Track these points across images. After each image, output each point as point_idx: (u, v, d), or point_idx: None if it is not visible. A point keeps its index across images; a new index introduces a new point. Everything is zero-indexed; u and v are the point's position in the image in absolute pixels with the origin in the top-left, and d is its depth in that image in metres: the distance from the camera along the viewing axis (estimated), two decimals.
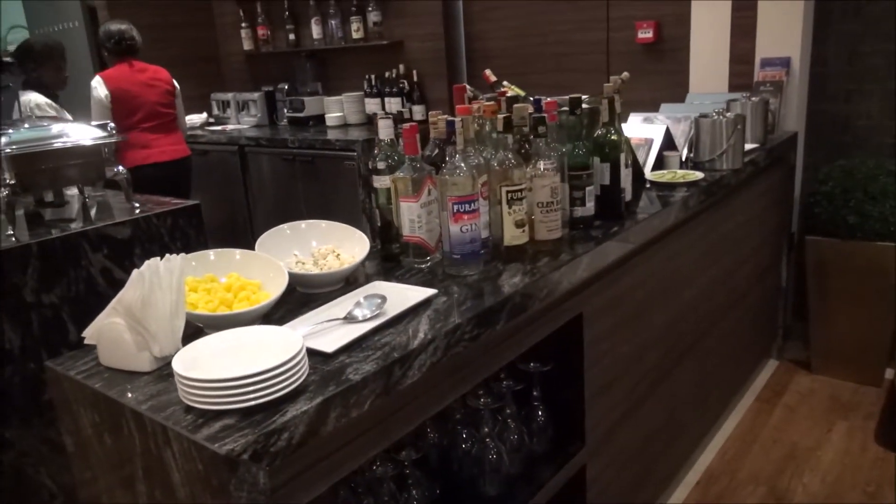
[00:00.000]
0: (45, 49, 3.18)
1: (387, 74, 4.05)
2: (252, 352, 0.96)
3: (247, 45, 4.74)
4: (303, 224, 1.44)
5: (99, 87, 3.33)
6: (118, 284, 2.05)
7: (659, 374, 2.00)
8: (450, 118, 1.48)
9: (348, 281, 1.37)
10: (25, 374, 1.88)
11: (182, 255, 1.09)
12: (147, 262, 1.04)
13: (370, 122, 4.10)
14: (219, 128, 4.53)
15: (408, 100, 3.97)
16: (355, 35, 4.14)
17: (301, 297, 1.30)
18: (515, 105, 1.54)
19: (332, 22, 4.26)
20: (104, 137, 2.17)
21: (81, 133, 2.14)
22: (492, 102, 1.55)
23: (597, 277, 1.56)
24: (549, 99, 1.63)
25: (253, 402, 0.88)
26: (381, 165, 1.46)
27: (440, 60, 3.91)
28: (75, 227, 2.02)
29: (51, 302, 1.92)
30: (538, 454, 1.56)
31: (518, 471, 1.50)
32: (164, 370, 1.03)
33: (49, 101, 3.09)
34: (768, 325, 3.03)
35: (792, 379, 2.90)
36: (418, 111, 3.95)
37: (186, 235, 2.22)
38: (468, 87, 1.88)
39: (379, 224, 1.50)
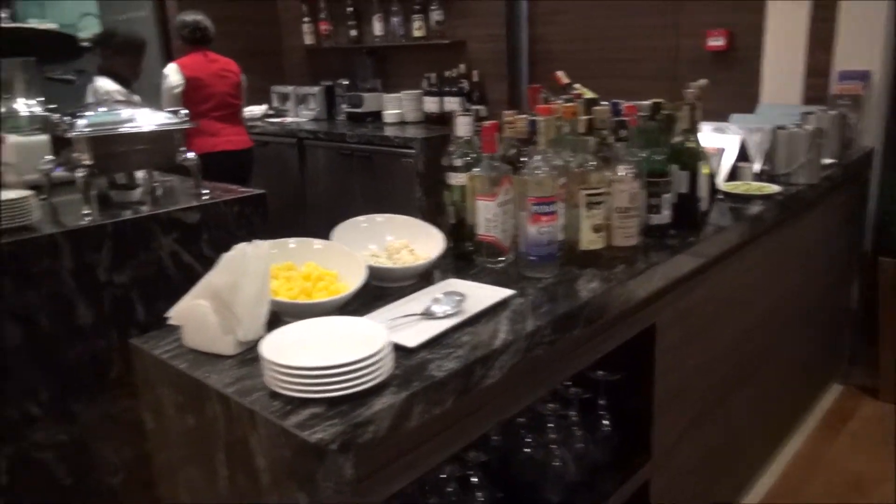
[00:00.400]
0: (127, 39, 3.28)
1: (447, 74, 4.05)
2: (337, 342, 0.95)
3: (308, 40, 4.80)
4: (379, 217, 1.44)
5: (173, 74, 3.43)
6: (185, 268, 2.11)
7: (724, 390, 1.94)
8: (531, 118, 1.46)
9: (421, 277, 1.36)
10: (95, 351, 1.93)
11: (268, 242, 1.09)
12: (236, 247, 1.05)
13: (428, 120, 4.11)
14: (277, 120, 4.59)
15: (467, 100, 3.96)
16: (417, 33, 4.15)
17: (374, 290, 1.30)
18: (595, 107, 1.51)
19: (394, 19, 4.28)
20: (179, 123, 2.21)
21: (156, 118, 2.18)
22: (572, 104, 1.53)
23: (671, 287, 1.52)
24: (627, 103, 1.61)
25: (341, 393, 0.87)
26: (457, 163, 1.45)
27: (502, 61, 3.89)
28: (147, 210, 2.06)
29: (121, 282, 1.96)
30: (601, 464, 1.52)
31: (581, 479, 1.47)
32: (246, 355, 1.04)
33: (120, 87, 3.17)
34: (835, 347, 2.93)
35: (858, 405, 2.79)
36: (477, 111, 3.93)
37: (252, 223, 2.25)
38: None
39: (452, 221, 1.49)
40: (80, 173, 2.04)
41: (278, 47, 5.05)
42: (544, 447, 1.44)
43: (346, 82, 4.52)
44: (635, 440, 1.56)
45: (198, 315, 1.03)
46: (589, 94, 1.93)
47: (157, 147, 2.20)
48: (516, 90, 3.91)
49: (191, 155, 2.26)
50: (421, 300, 1.19)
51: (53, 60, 2.76)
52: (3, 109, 2.64)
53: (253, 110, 4.51)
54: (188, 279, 2.11)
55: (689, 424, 1.76)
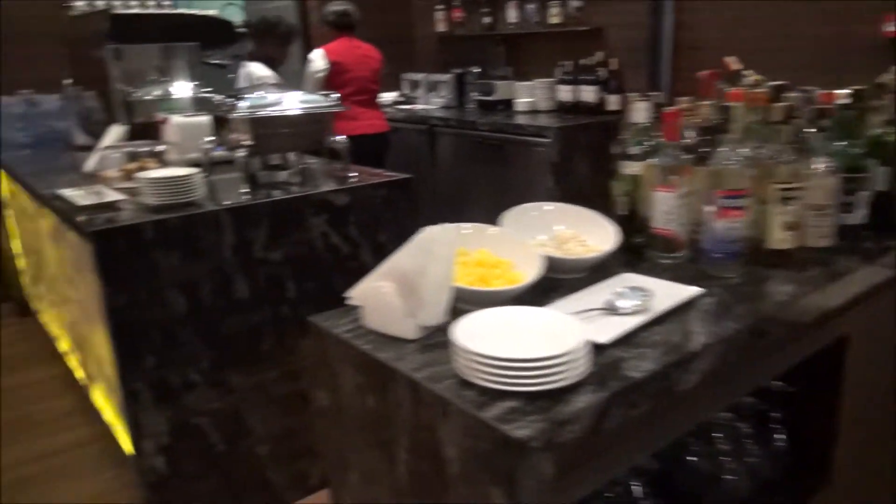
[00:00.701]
0: (278, 26, 3.45)
1: (582, 62, 3.93)
2: (531, 334, 0.91)
3: (441, 28, 4.80)
4: (548, 206, 1.38)
5: (318, 59, 3.56)
6: (333, 249, 2.15)
7: None
8: (716, 104, 1.35)
9: (592, 270, 1.30)
10: (250, 324, 2.01)
11: (456, 225, 1.07)
12: (425, 230, 1.03)
13: (560, 109, 4.01)
14: (407, 107, 4.64)
15: (603, 88, 3.82)
16: (553, 20, 4.05)
17: (545, 281, 1.24)
18: (785, 95, 1.38)
19: (530, 7, 4.20)
20: (332, 105, 2.26)
21: (310, 101, 2.23)
22: (760, 90, 1.40)
23: (866, 296, 1.37)
24: (820, 90, 1.46)
25: (541, 388, 0.83)
26: (634, 151, 1.37)
27: (642, 49, 3.72)
28: (299, 191, 2.11)
29: (275, 259, 2.03)
30: (774, 482, 1.40)
31: (751, 497, 1.36)
32: (426, 340, 1.02)
33: (273, 73, 3.30)
34: None
35: None
36: (614, 101, 3.79)
37: (398, 208, 2.26)
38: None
39: (622, 213, 1.41)
40: (240, 153, 2.13)
41: (410, 35, 5.10)
42: (713, 459, 1.34)
43: (478, 70, 4.49)
44: (812, 460, 1.43)
45: (380, 297, 1.02)
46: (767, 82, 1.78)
47: (311, 129, 2.25)
48: (656, 79, 3.73)
49: (340, 138, 2.30)
50: (599, 294, 1.13)
51: (211, 46, 2.89)
52: (165, 91, 2.81)
53: (384, 97, 4.58)
54: (335, 260, 2.16)
55: (874, 448, 1.60)
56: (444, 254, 1.01)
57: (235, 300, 1.97)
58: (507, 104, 4.24)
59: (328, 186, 2.16)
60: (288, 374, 2.11)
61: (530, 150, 3.60)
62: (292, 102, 2.18)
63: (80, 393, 2.83)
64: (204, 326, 1.93)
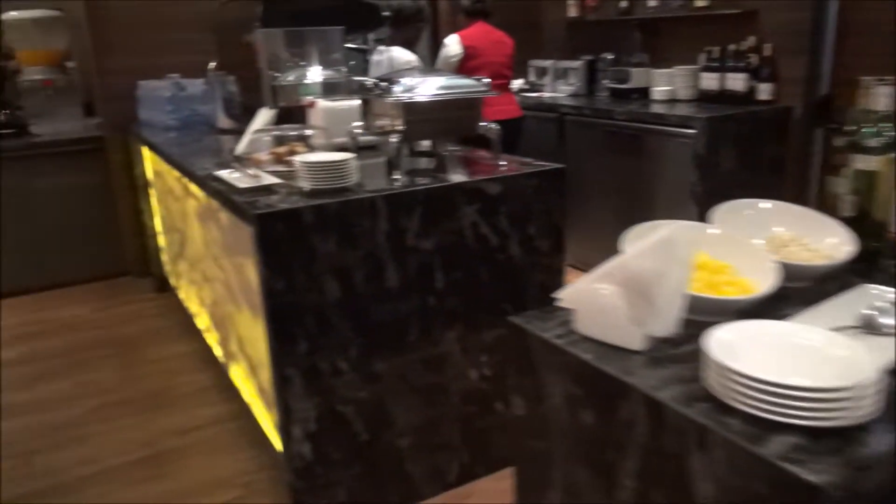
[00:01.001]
0: (418, 11, 3.44)
1: (731, 47, 3.65)
2: (803, 355, 0.77)
3: (572, 12, 4.62)
4: (764, 204, 1.23)
5: (453, 45, 3.54)
6: (482, 240, 2.06)
7: None
8: None
9: (821, 279, 1.13)
10: (397, 313, 1.96)
11: (693, 224, 0.94)
12: (663, 230, 0.91)
13: (703, 98, 3.75)
14: (535, 94, 4.50)
15: (753, 76, 3.54)
16: (699, 3, 3.79)
17: None
18: None
19: None
20: (485, 91, 2.16)
21: (464, 86, 2.15)
22: None
23: None
24: None
25: (831, 423, 0.69)
26: (872, 143, 1.19)
27: (802, 34, 3.40)
28: (453, 178, 2.04)
29: (426, 248, 1.96)
30: None
31: None
32: (655, 352, 0.90)
33: (416, 57, 3.27)
34: None
35: None
36: (765, 90, 3.50)
37: (549, 199, 2.15)
38: None
39: (849, 214, 1.23)
40: (393, 139, 2.08)
41: (538, 20, 4.94)
42: None
43: (611, 56, 4.29)
44: None
45: (601, 301, 0.91)
46: None
47: (464, 115, 2.17)
48: (817, 66, 3.41)
49: (492, 125, 2.21)
50: (845, 309, 0.97)
51: (356, 30, 2.87)
52: (309, 75, 2.81)
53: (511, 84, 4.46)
54: (483, 251, 2.07)
55: None
56: (684, 257, 0.88)
57: (386, 288, 1.93)
58: (643, 92, 4.02)
59: (480, 175, 2.07)
60: (431, 366, 2.05)
61: (672, 141, 3.38)
62: (445, 87, 2.10)
63: (217, 370, 2.90)
64: (354, 313, 1.89)
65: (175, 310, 3.62)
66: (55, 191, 3.96)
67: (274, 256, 1.75)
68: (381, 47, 3.34)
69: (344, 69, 2.99)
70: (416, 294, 1.98)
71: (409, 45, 3.40)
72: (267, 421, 2.27)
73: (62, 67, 4.16)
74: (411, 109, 2.04)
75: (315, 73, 2.88)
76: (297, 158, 1.96)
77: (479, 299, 2.10)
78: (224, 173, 2.10)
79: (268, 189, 1.94)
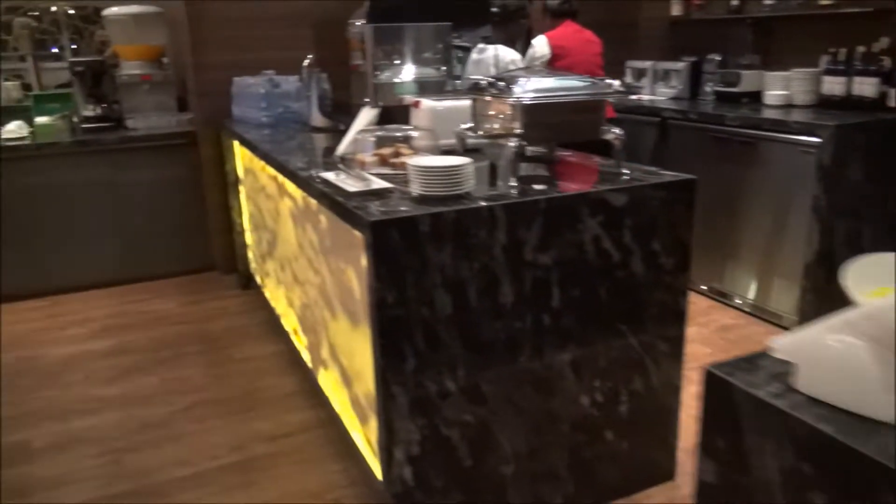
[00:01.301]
0: (524, 8, 3.35)
1: (859, 49, 3.34)
2: None
3: (675, 11, 4.38)
4: None
5: (541, 46, 3.43)
6: (603, 255, 1.88)
7: None
8: None
9: None
10: (509, 331, 1.81)
11: None
12: None
13: (824, 104, 3.46)
14: (634, 97, 4.27)
15: (885, 81, 3.23)
16: (823, 1, 3.49)
17: None
18: None
19: None
20: (612, 91, 2.00)
21: (589, 87, 1.99)
22: None
23: None
24: None
25: None
26: None
27: None
28: (575, 187, 1.87)
29: (544, 263, 1.81)
30: None
31: None
32: None
33: (521, 57, 3.12)
34: None
35: None
36: None
37: (675, 213, 1.96)
38: None
39: None
40: (510, 142, 1.93)
41: (636, 19, 4.71)
42: None
43: (718, 58, 4.02)
44: None
45: (840, 357, 0.73)
46: None
47: (586, 118, 2.00)
48: None
49: (616, 130, 2.04)
50: None
51: (462, 27, 2.74)
52: (414, 73, 2.70)
53: None
54: (604, 268, 1.90)
55: None
56: None
57: (499, 304, 1.78)
58: (754, 97, 3.74)
59: (602, 184, 1.90)
60: (541, 389, 1.90)
61: (792, 150, 3.11)
62: (567, 88, 1.94)
63: (304, 373, 2.83)
64: (465, 331, 1.76)
65: (260, 308, 3.58)
66: (147, 184, 4.00)
67: (386, 266, 1.63)
68: (481, 45, 3.20)
69: (443, 68, 2.87)
70: (531, 311, 1.83)
71: (510, 43, 3.25)
72: (359, 434, 2.16)
73: (159, 63, 4.20)
74: (531, 111, 1.89)
75: (416, 71, 2.76)
76: (409, 161, 1.83)
77: (596, 319, 1.93)
78: (330, 175, 2.00)
79: (377, 194, 1.82)
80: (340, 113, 3.14)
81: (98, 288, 3.97)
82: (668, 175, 1.98)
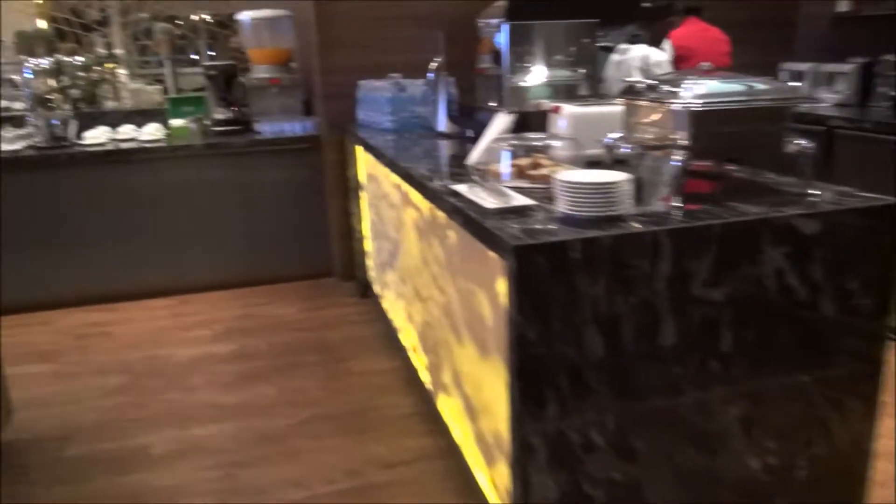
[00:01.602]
0: (672, 6, 3.11)
1: None
2: None
3: (842, 7, 3.88)
4: None
5: (664, 46, 3.13)
6: (786, 293, 1.56)
7: None
8: None
9: None
10: (668, 377, 1.54)
11: None
12: None
13: None
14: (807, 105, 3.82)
15: None
16: None
17: None
18: None
19: None
20: (801, 98, 1.68)
21: (774, 91, 1.68)
22: None
23: None
24: None
25: None
26: None
27: None
28: (757, 211, 1.57)
29: (714, 299, 1.52)
30: None
31: None
32: None
33: (667, 57, 2.82)
34: None
35: None
36: None
37: (876, 244, 1.62)
38: None
39: None
40: (676, 156, 1.66)
41: (793, 16, 4.23)
42: None
43: (894, 58, 3.51)
44: None
45: None
46: None
47: (768, 129, 1.70)
48: None
49: (803, 141, 1.72)
50: None
51: (609, 25, 2.49)
52: (559, 75, 2.47)
53: None
54: (786, 307, 1.57)
55: None
56: None
57: (658, 346, 1.52)
58: None
59: (787, 207, 1.59)
60: (703, 446, 1.62)
61: None
62: (745, 93, 1.64)
63: (420, 395, 2.67)
64: (617, 376, 1.51)
65: (378, 319, 3.47)
66: (270, 187, 4.01)
67: (530, 298, 1.41)
68: (623, 45, 2.92)
69: (582, 70, 2.62)
70: (696, 356, 1.55)
71: (654, 44, 2.95)
72: (484, 475, 1.96)
73: (287, 66, 4.21)
74: (701, 119, 1.60)
75: (554, 73, 2.53)
76: (556, 175, 1.61)
77: (773, 368, 1.62)
78: (463, 188, 1.81)
79: (518, 212, 1.61)
80: (467, 118, 2.96)
81: (225, 289, 4.02)
82: (871, 198, 1.64)
